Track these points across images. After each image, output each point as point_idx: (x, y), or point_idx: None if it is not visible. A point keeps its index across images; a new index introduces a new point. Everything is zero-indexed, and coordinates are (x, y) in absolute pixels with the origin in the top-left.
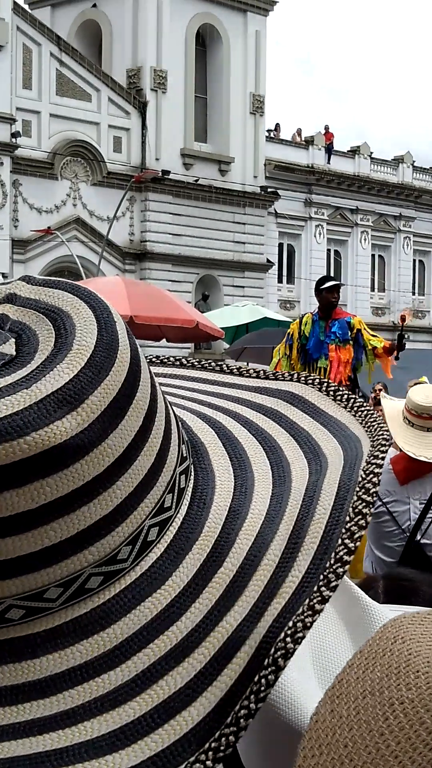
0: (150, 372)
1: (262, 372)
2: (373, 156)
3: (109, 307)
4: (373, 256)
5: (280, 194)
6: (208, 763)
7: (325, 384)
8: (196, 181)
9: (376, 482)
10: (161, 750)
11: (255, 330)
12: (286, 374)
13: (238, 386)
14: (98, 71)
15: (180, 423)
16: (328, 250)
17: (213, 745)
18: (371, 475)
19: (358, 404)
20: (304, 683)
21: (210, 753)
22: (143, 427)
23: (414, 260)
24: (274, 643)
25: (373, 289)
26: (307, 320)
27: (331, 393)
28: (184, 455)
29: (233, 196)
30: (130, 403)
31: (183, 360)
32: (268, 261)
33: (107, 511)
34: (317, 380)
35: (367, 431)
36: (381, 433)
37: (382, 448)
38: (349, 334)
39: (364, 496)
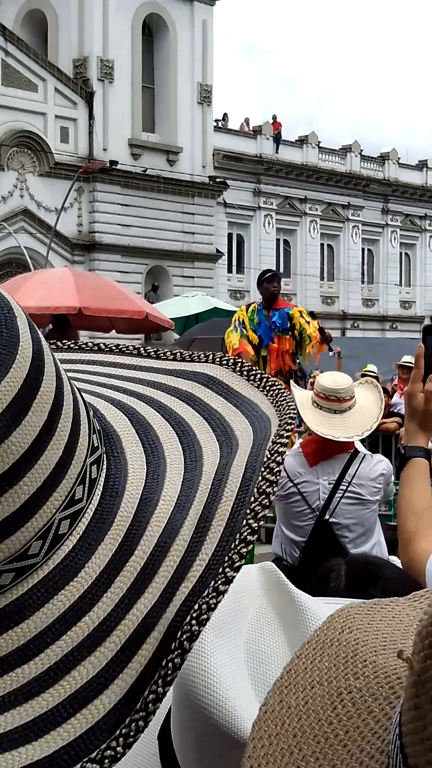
0: (56, 364)
1: (178, 354)
2: (321, 145)
3: (10, 302)
4: (322, 245)
5: (228, 184)
6: (119, 749)
7: (239, 364)
8: (144, 171)
9: (280, 461)
10: (74, 739)
11: (205, 320)
12: (202, 356)
13: (155, 369)
14: (44, 61)
15: (92, 412)
16: (277, 240)
17: (123, 731)
18: (276, 455)
19: (270, 383)
20: (238, 688)
21: (120, 739)
22: (48, 421)
23: (363, 249)
24: (181, 626)
25: (322, 278)
26: (253, 308)
27: (245, 373)
28: (95, 445)
29: (182, 186)
30: (34, 398)
31: (101, 345)
32: (217, 251)
33: (15, 508)
34: (231, 361)
35: (276, 411)
36: (288, 412)
37: (287, 427)
38: (289, 324)
39: (268, 476)
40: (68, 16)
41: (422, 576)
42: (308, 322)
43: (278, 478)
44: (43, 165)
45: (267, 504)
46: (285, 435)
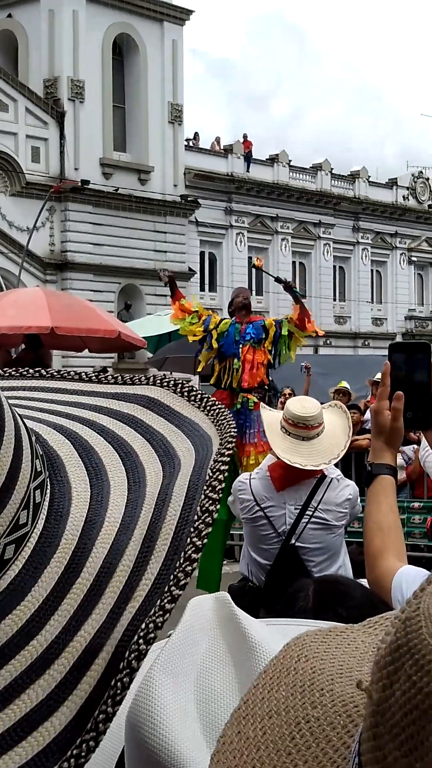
0: None
1: (119, 377)
2: (291, 164)
3: None
4: (293, 263)
5: (200, 203)
6: None
7: (180, 385)
8: (116, 190)
9: (222, 479)
10: (25, 762)
11: (178, 339)
12: (143, 378)
13: (97, 393)
14: (15, 81)
15: (35, 437)
16: (249, 258)
17: (74, 752)
18: (217, 473)
19: (210, 403)
20: (185, 728)
21: (72, 760)
22: None
23: (334, 267)
24: (128, 646)
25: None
26: (227, 321)
27: (186, 394)
28: (39, 470)
29: (153, 205)
30: None
31: (42, 371)
32: (189, 269)
33: None
34: (172, 382)
35: (217, 430)
36: (229, 431)
37: (228, 446)
38: (264, 334)
39: (210, 494)
40: (38, 37)
41: (388, 594)
42: (281, 325)
43: (220, 496)
44: (14, 185)
45: (210, 522)
46: (226, 453)
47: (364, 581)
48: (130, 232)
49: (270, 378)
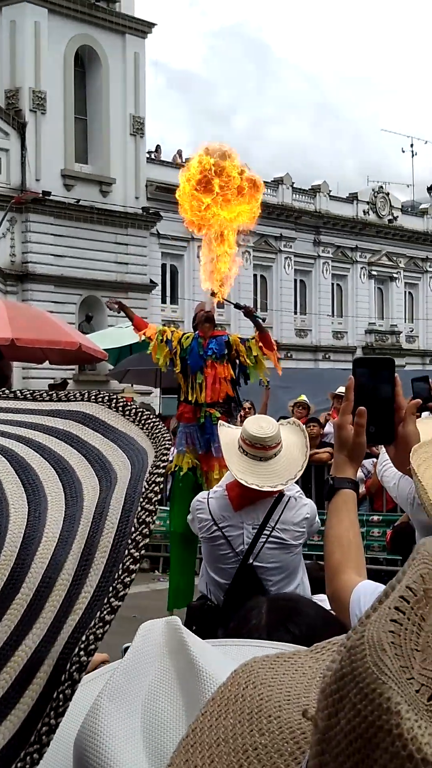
0: None
1: (54, 394)
2: None
3: None
4: (255, 276)
5: (161, 215)
6: None
7: (114, 401)
8: (77, 201)
9: (158, 491)
10: None
11: (138, 351)
12: (77, 394)
13: (32, 411)
14: None
15: None
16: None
17: (19, 765)
18: (153, 485)
19: (144, 417)
20: (130, 755)
21: None
22: None
23: (295, 280)
24: (69, 658)
25: (256, 309)
26: (188, 335)
27: (120, 409)
28: None
29: (115, 216)
30: None
31: None
32: (151, 281)
33: None
34: (107, 398)
35: (152, 443)
36: (163, 443)
37: (163, 458)
38: (226, 350)
39: (147, 506)
40: (0, 48)
41: (346, 608)
42: (248, 346)
43: (156, 507)
44: None
45: (147, 533)
46: (161, 465)
47: (322, 596)
48: (91, 244)
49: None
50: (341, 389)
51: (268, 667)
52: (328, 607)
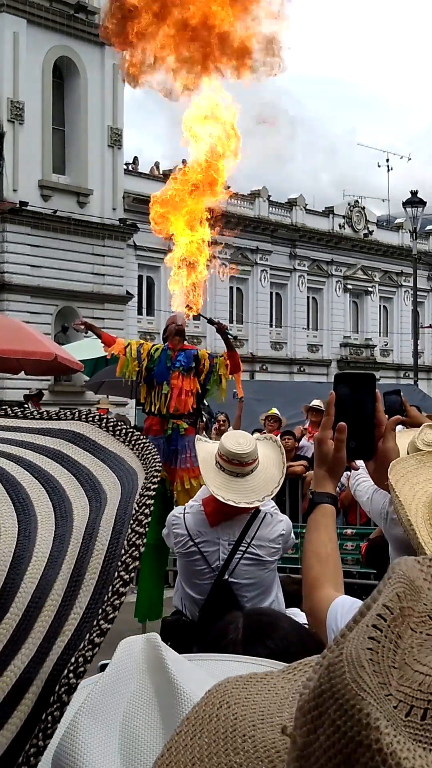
0: None
1: (45, 413)
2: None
3: None
4: (231, 288)
5: (138, 227)
6: None
7: (105, 420)
8: (55, 212)
9: (148, 513)
10: None
11: (115, 363)
12: (68, 413)
13: (22, 429)
14: None
15: None
16: None
17: None
18: (143, 507)
19: (135, 438)
20: (104, 756)
21: None
22: None
23: (271, 293)
24: (58, 680)
25: (231, 321)
26: (159, 347)
27: (111, 429)
28: None
29: (92, 228)
30: None
31: None
32: (127, 293)
33: None
34: (97, 417)
35: (143, 464)
36: (154, 465)
37: (153, 480)
38: (194, 363)
39: (137, 528)
40: None
41: (323, 623)
42: (214, 363)
43: (146, 530)
44: None
45: (137, 556)
46: (152, 488)
47: (296, 611)
48: (68, 255)
49: (206, 403)
50: (316, 402)
51: (242, 687)
52: (302, 620)
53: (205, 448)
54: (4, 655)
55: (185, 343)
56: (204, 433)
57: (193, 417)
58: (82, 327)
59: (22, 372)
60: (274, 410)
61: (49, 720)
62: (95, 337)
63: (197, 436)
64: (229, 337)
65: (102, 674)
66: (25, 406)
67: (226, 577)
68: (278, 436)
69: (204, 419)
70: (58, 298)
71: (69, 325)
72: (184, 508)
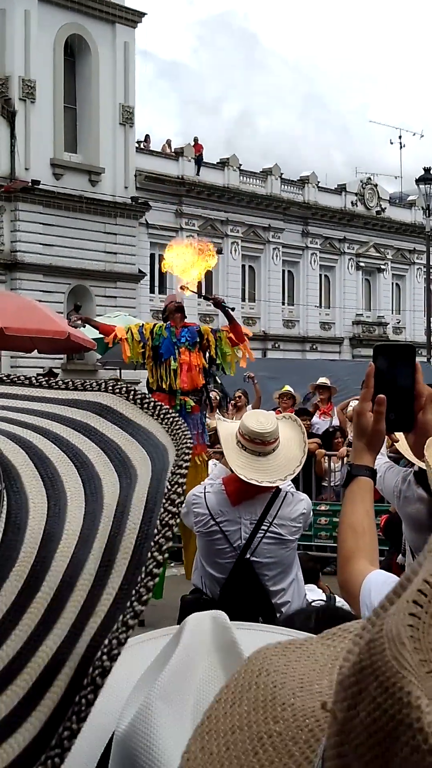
0: None
1: (71, 383)
2: (242, 168)
3: None
4: (243, 266)
5: (150, 205)
6: None
7: (132, 392)
8: (66, 191)
9: (181, 492)
10: None
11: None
12: (95, 384)
13: (48, 400)
14: None
15: None
16: None
17: None
18: (176, 486)
19: (164, 411)
20: (178, 739)
21: None
22: None
23: (283, 271)
24: (92, 662)
25: (243, 300)
26: (161, 325)
27: (138, 402)
28: None
29: (104, 206)
30: None
31: None
32: (140, 271)
33: None
34: (125, 389)
35: (173, 440)
36: (185, 441)
37: (185, 458)
38: (198, 338)
39: (170, 508)
40: None
41: (357, 597)
42: (218, 336)
43: (180, 509)
44: None
45: (170, 536)
46: (184, 465)
47: (312, 587)
48: (80, 233)
49: (219, 381)
50: (322, 380)
51: (280, 654)
52: (315, 597)
53: (227, 428)
54: (36, 636)
55: (186, 320)
56: (218, 411)
57: (199, 394)
58: (79, 322)
59: (35, 351)
60: (287, 387)
61: (83, 703)
62: (109, 315)
63: (216, 415)
64: (228, 309)
65: (171, 654)
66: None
67: (248, 556)
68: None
69: (218, 397)
70: (70, 277)
71: (81, 304)
72: (204, 487)
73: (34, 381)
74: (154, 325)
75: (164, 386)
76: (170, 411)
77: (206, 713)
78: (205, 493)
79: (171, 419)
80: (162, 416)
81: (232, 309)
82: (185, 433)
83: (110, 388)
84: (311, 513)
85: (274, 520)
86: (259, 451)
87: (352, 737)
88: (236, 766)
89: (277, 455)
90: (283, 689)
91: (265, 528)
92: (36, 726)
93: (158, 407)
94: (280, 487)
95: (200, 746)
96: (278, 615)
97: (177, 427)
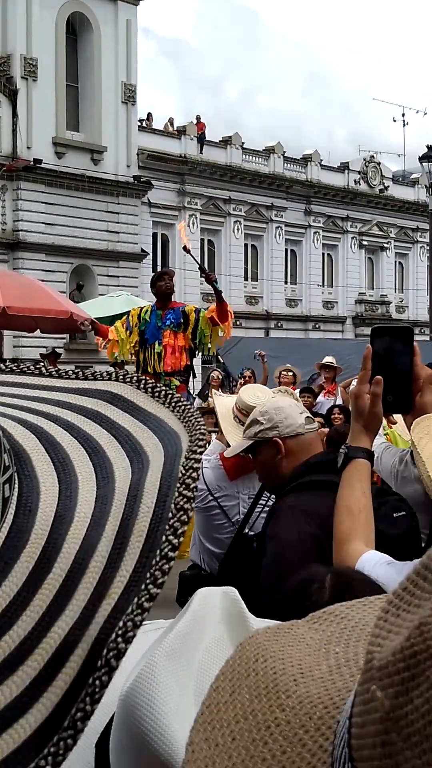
0: None
1: (81, 373)
2: (244, 146)
3: None
4: (246, 245)
5: (153, 184)
6: (48, 767)
7: (143, 381)
8: (68, 170)
9: (196, 477)
10: (1, 760)
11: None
12: (104, 374)
13: (59, 389)
14: None
15: (1, 431)
16: (202, 240)
17: (52, 749)
18: (190, 470)
19: (175, 400)
20: (183, 716)
21: (50, 758)
22: None
23: (286, 250)
24: (106, 644)
25: (246, 279)
26: (147, 309)
27: (149, 390)
28: (6, 464)
29: (106, 185)
30: None
31: (1, 366)
32: (142, 251)
33: None
34: (135, 378)
35: (185, 426)
36: (198, 428)
37: (200, 443)
38: (182, 319)
39: (185, 492)
40: None
41: None
42: (199, 317)
43: (195, 494)
44: None
45: (186, 521)
46: (198, 451)
47: None
48: (82, 212)
49: (222, 361)
50: (328, 359)
51: (272, 639)
52: None
53: (223, 403)
54: (48, 617)
55: (173, 300)
56: (220, 390)
57: (185, 374)
58: (89, 327)
59: (38, 330)
60: (288, 365)
61: (97, 684)
62: (111, 295)
63: (214, 391)
64: (217, 287)
65: (178, 621)
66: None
67: (247, 531)
68: (296, 391)
69: (220, 377)
70: (72, 256)
71: (84, 283)
72: (201, 462)
73: (44, 371)
74: (141, 309)
75: (149, 369)
76: (181, 399)
77: (205, 702)
78: (202, 468)
79: (183, 407)
80: (174, 404)
81: (220, 292)
82: (198, 420)
83: (120, 377)
84: None
85: (272, 495)
86: None
87: (402, 725)
88: (246, 757)
89: None
90: (283, 676)
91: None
92: (48, 707)
93: (169, 395)
94: None
95: (204, 737)
96: None
97: (189, 414)
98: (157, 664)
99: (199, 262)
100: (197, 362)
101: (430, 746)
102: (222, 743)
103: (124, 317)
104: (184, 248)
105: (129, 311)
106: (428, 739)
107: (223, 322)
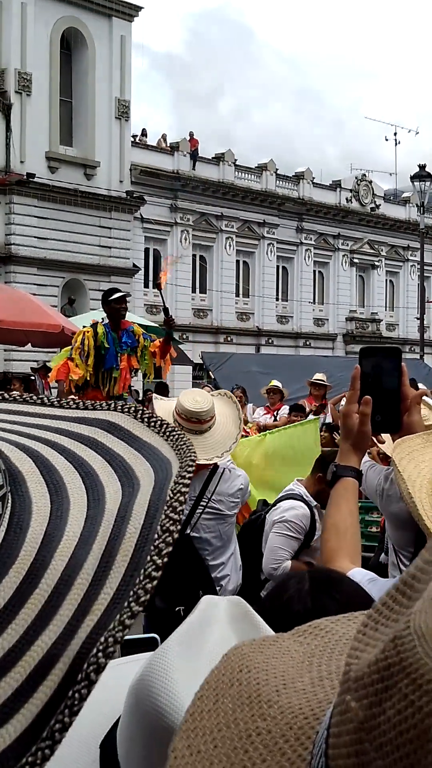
0: None
1: (81, 403)
2: (237, 163)
3: None
4: (237, 261)
5: (145, 199)
6: None
7: (140, 412)
8: (61, 184)
9: (183, 500)
10: None
11: None
12: (104, 404)
13: (59, 417)
14: None
15: None
16: (194, 256)
17: (30, 759)
18: (178, 494)
19: (169, 429)
20: (192, 678)
21: (27, 767)
22: None
23: (277, 266)
24: (87, 658)
25: (237, 295)
26: (102, 330)
27: (146, 420)
28: (1, 484)
29: (99, 200)
30: None
31: (4, 395)
32: (134, 266)
33: None
34: (132, 408)
35: (176, 453)
36: (189, 455)
37: (188, 469)
38: (135, 341)
39: (171, 515)
40: None
41: None
42: (149, 340)
43: (181, 517)
44: None
45: (171, 542)
46: (186, 476)
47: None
48: (74, 227)
49: (213, 377)
50: (318, 376)
51: (257, 650)
52: None
53: (163, 407)
54: (32, 630)
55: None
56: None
57: (129, 390)
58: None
59: (29, 344)
60: (274, 382)
61: (76, 697)
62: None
63: (154, 394)
64: (171, 332)
65: (186, 619)
66: (32, 378)
67: (188, 531)
68: (284, 408)
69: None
70: (64, 271)
71: (75, 298)
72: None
73: (46, 401)
74: (94, 327)
75: (102, 389)
76: (175, 429)
77: (188, 710)
78: None
79: (176, 436)
80: (168, 433)
81: (179, 340)
82: (190, 448)
83: (119, 408)
84: (249, 488)
85: (212, 496)
86: (195, 430)
87: (375, 735)
88: (227, 764)
89: (214, 433)
90: (266, 686)
91: (204, 504)
92: (28, 717)
93: (164, 425)
94: (218, 463)
95: (186, 744)
96: (218, 588)
97: (182, 443)
98: (170, 649)
99: (165, 304)
100: (188, 377)
101: (401, 756)
102: (204, 750)
103: (77, 344)
104: (157, 285)
105: (82, 332)
106: (399, 749)
107: (161, 358)
